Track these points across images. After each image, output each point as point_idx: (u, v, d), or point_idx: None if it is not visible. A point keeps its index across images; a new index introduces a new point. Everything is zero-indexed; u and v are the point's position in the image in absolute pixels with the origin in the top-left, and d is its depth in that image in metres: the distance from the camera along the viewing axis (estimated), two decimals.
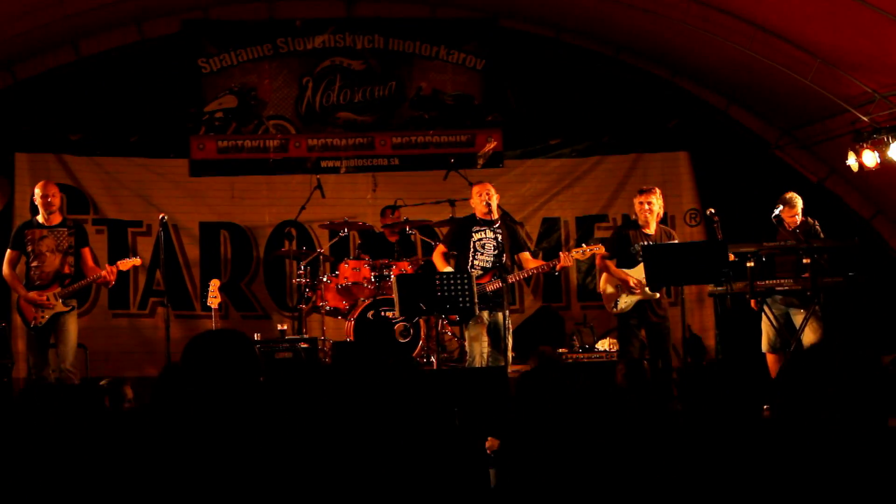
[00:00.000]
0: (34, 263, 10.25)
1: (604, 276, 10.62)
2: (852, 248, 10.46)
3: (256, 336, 10.98)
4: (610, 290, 10.45)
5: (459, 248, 10.42)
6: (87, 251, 10.48)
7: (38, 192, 10.35)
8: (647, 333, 10.44)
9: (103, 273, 10.26)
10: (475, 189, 10.36)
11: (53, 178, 12.05)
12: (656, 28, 12.25)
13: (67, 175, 12.71)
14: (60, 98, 12.80)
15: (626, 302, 10.31)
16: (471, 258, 10.30)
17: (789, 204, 10.54)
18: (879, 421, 3.78)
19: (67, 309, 10.23)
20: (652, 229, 10.50)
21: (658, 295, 10.32)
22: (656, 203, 10.47)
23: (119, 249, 12.56)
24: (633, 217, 10.73)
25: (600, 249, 10.55)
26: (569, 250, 10.73)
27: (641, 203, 10.46)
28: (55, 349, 10.28)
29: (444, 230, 11.84)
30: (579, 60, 13.64)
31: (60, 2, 11.49)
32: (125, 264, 10.49)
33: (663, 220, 13.05)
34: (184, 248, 13.05)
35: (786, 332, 10.37)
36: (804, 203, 10.73)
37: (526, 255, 10.50)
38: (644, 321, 10.38)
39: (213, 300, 10.67)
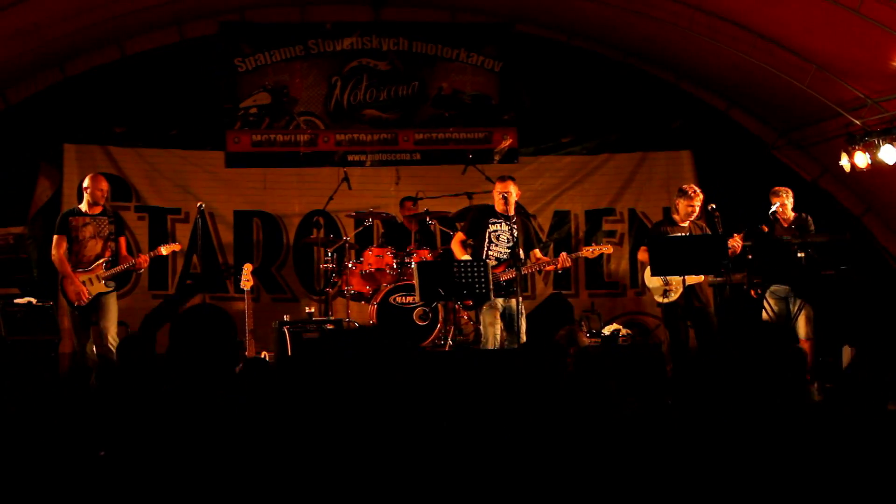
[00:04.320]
0: (76, 248, 10.39)
1: (648, 270, 10.59)
2: (844, 242, 10.52)
3: (286, 317, 11.04)
4: (657, 282, 10.43)
5: (475, 236, 10.46)
6: (122, 240, 10.67)
7: (89, 182, 10.50)
8: (692, 320, 10.49)
9: (138, 261, 10.47)
10: (498, 185, 10.33)
11: (99, 168, 12.23)
12: (663, 34, 12.28)
13: (112, 165, 12.82)
14: (106, 93, 12.89)
15: (675, 291, 10.31)
16: (486, 248, 10.34)
17: (776, 194, 10.73)
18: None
19: (108, 290, 10.39)
20: (686, 224, 10.51)
21: (702, 279, 10.31)
22: (698, 206, 10.47)
23: (159, 235, 12.75)
24: (674, 214, 10.65)
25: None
26: (578, 247, 10.82)
27: (690, 207, 10.43)
28: (96, 326, 10.44)
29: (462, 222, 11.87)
30: (590, 64, 13.70)
31: (107, 4, 11.54)
32: (167, 248, 10.66)
33: (667, 215, 13.15)
34: (219, 235, 13.16)
35: (783, 319, 10.48)
36: (799, 199, 10.82)
37: (536, 252, 10.53)
38: (689, 308, 10.37)
39: (246, 283, 10.78)
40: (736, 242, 10.20)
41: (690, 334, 10.65)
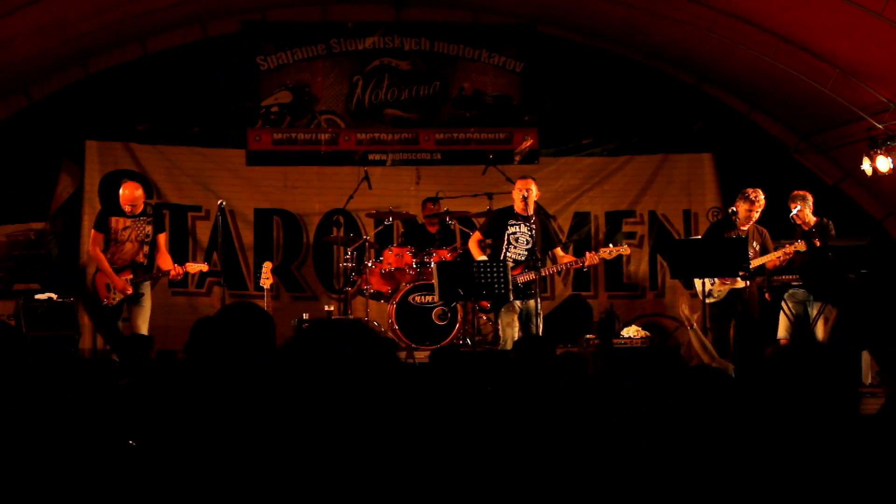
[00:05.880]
0: (112, 249, 10.37)
1: None
2: (864, 247, 10.45)
3: (305, 315, 11.05)
4: (700, 283, 10.35)
5: (494, 237, 10.45)
6: (161, 237, 10.62)
7: (121, 191, 10.42)
8: (735, 322, 10.48)
9: (173, 272, 10.38)
10: (518, 183, 10.32)
11: (120, 165, 12.40)
12: (684, 36, 12.25)
13: (133, 162, 12.83)
14: (128, 91, 12.89)
15: (719, 291, 10.28)
16: (504, 250, 10.32)
17: (794, 199, 10.60)
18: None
19: (136, 299, 10.37)
20: (746, 228, 10.42)
21: (747, 283, 10.25)
22: (758, 211, 10.38)
23: (180, 232, 12.77)
24: (734, 217, 10.51)
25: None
26: (597, 248, 10.77)
27: (750, 211, 10.33)
28: (126, 322, 10.44)
29: (482, 220, 11.85)
30: (611, 65, 13.65)
31: (130, 1, 11.58)
32: (193, 267, 10.71)
33: (687, 218, 13.03)
34: (239, 233, 13.13)
35: (801, 323, 10.43)
36: (820, 203, 10.74)
37: (558, 250, 10.51)
38: (732, 311, 10.40)
39: (266, 281, 10.74)
40: (790, 250, 10.16)
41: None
